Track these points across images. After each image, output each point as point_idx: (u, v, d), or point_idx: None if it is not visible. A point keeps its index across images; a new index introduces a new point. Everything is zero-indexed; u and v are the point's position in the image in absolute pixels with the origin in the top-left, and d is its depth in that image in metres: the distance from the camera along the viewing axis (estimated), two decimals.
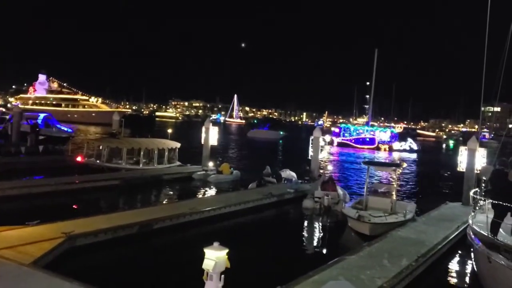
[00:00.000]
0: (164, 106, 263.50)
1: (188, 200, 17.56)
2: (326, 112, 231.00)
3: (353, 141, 64.52)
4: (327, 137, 67.18)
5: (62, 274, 8.42)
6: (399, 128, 75.24)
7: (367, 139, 64.31)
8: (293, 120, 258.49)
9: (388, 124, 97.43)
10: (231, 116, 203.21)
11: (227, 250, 6.70)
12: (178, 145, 27.20)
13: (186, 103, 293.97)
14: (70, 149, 30.47)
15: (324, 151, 24.68)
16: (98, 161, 24.52)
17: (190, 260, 8.41)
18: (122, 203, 18.28)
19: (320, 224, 16.77)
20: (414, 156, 56.99)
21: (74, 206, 16.66)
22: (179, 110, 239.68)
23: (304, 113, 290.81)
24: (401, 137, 70.14)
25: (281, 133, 79.93)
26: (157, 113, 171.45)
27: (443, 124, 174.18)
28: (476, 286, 10.52)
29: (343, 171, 34.06)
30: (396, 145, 63.97)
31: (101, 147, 25.33)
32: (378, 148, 62.45)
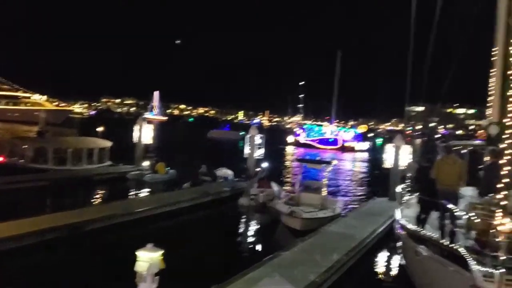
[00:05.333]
0: (94, 104, 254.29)
1: (121, 200, 17.06)
2: (268, 111, 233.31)
3: (317, 141, 64.46)
4: (291, 138, 67.94)
5: None
6: (362, 128, 76.02)
7: (331, 140, 64.43)
8: (229, 118, 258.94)
9: (322, 123, 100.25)
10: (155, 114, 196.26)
11: (161, 251, 6.61)
12: (109, 144, 26.31)
13: (118, 100, 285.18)
14: None
15: (260, 149, 24.90)
16: (21, 161, 23.14)
17: (124, 263, 8.18)
18: (49, 205, 17.38)
19: (255, 221, 16.98)
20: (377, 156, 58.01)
21: None
22: (85, 106, 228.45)
23: (241, 112, 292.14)
24: (364, 137, 70.77)
25: (242, 133, 78.82)
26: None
27: (371, 123, 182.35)
28: (403, 277, 11.11)
29: (281, 168, 34.57)
30: (359, 145, 64.54)
31: (25, 147, 23.91)
32: (341, 149, 62.55)
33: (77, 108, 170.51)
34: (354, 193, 25.96)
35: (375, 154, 56.59)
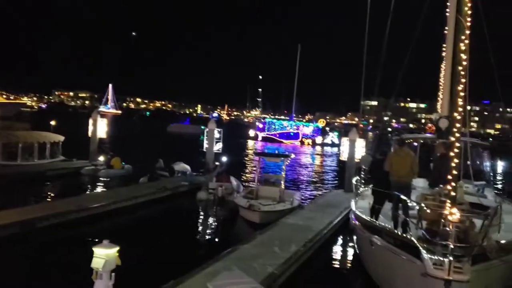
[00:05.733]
0: (47, 96, 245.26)
1: (75, 196, 16.52)
2: (226, 105, 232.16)
3: (277, 135, 64.88)
4: (252, 132, 67.73)
5: None
6: (322, 122, 76.93)
7: (292, 134, 65.10)
8: (187, 112, 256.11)
9: (279, 117, 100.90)
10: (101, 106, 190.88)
11: (117, 248, 6.49)
12: (61, 138, 25.47)
13: (72, 93, 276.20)
14: None
15: (219, 143, 24.86)
16: None
17: (79, 260, 8.01)
18: None
19: (214, 215, 16.95)
20: (335, 149, 56.64)
21: None
22: (35, 99, 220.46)
23: (199, 106, 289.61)
24: (323, 131, 71.28)
25: (203, 127, 77.21)
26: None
27: (327, 117, 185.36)
28: (358, 267, 11.44)
29: (240, 162, 34.59)
30: (319, 139, 65.43)
31: None
32: (302, 142, 63.50)
33: (27, 101, 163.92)
34: (312, 185, 26.40)
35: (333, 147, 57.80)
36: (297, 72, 64.94)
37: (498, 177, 17.04)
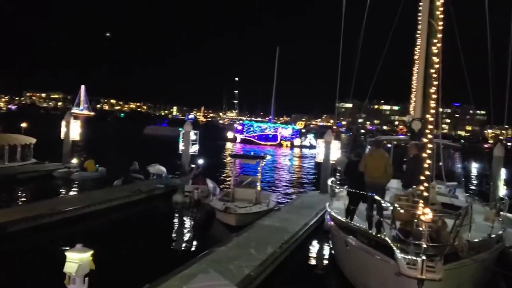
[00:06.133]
0: (18, 98, 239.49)
1: (47, 200, 16.15)
2: (203, 107, 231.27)
3: (256, 137, 64.98)
4: (230, 134, 67.34)
5: None
6: (300, 124, 77.47)
7: (270, 136, 65.27)
8: (162, 114, 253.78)
9: (256, 119, 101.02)
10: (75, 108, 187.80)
11: (91, 252, 6.39)
12: (33, 140, 24.88)
13: (44, 95, 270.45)
14: None
15: (195, 146, 24.72)
16: None
17: (51, 265, 7.84)
18: None
19: (190, 218, 16.83)
20: (314, 151, 58.34)
21: None
22: (4, 100, 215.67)
23: (175, 107, 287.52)
24: (301, 133, 71.68)
25: (180, 129, 76.08)
26: None
27: (303, 119, 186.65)
28: (333, 267, 11.54)
29: (217, 164, 34.44)
30: (297, 141, 65.79)
31: None
32: (280, 145, 63.72)
33: None
34: (289, 187, 26.53)
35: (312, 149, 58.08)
36: (275, 74, 65.37)
37: (472, 179, 17.44)
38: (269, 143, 63.84)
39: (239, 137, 65.94)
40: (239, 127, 69.46)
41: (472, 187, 23.67)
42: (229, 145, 59.94)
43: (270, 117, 71.98)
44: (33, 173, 22.60)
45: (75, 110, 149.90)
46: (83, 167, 23.56)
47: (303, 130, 79.29)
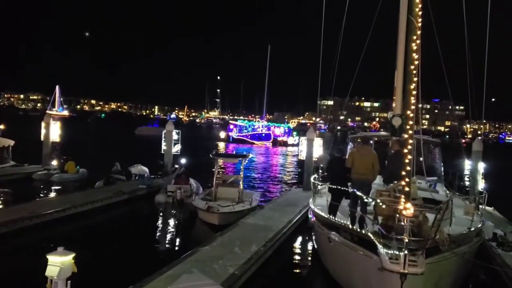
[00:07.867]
0: None
1: (27, 203, 15.82)
2: (186, 106, 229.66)
3: (249, 137, 64.34)
4: (222, 134, 66.80)
5: None
6: (293, 123, 77.55)
7: (263, 135, 64.70)
8: (144, 113, 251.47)
9: (238, 117, 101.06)
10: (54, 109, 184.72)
11: (73, 254, 6.31)
12: (11, 142, 24.44)
13: (22, 96, 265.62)
14: None
15: (177, 145, 24.59)
16: None
17: (33, 269, 7.70)
18: None
19: (173, 218, 16.74)
20: (295, 149, 58.28)
21: None
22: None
23: (156, 107, 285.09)
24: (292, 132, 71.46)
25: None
26: None
27: (286, 117, 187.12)
28: (317, 263, 11.61)
29: (199, 164, 34.23)
30: (291, 139, 65.25)
31: None
32: (274, 143, 63.22)
33: None
34: (274, 185, 26.60)
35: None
36: (267, 72, 65.25)
37: (451, 173, 17.68)
38: (262, 142, 63.35)
39: (232, 136, 65.08)
40: (231, 127, 68.95)
41: (452, 182, 24.02)
42: (221, 145, 59.39)
43: (260, 116, 71.71)
44: (12, 176, 22.19)
45: (49, 111, 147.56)
46: (64, 169, 23.22)
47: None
